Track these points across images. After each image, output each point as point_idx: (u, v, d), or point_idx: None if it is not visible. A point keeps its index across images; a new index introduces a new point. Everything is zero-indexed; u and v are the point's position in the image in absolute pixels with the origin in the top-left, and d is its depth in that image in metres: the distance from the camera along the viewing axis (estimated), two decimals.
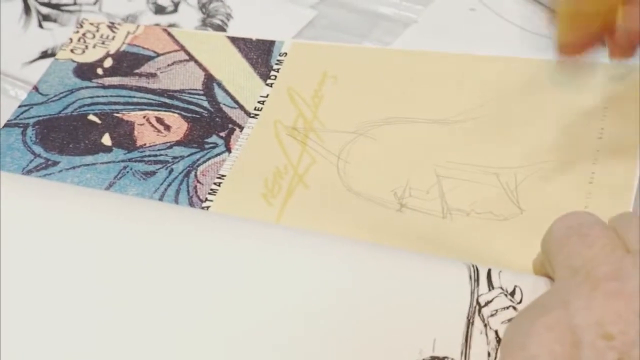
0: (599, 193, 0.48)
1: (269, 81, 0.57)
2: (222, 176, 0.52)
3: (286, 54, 0.58)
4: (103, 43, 0.60)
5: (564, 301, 0.36)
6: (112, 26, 0.61)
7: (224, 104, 0.56)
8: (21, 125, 0.56)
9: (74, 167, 0.53)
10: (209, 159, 0.53)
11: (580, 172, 0.49)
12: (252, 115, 0.55)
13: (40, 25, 0.63)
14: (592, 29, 0.45)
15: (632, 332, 0.33)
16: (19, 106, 0.57)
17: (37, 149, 0.54)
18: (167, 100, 0.56)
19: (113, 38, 0.60)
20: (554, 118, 0.52)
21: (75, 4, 0.64)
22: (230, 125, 0.55)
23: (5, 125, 0.56)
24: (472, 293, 0.42)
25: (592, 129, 0.50)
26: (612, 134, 0.50)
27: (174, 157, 0.53)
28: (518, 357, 0.36)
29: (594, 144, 0.50)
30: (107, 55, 0.59)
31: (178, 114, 0.56)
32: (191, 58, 0.59)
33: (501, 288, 0.42)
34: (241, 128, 0.54)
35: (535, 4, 0.59)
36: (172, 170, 0.53)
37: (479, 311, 0.42)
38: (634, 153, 0.49)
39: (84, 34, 0.61)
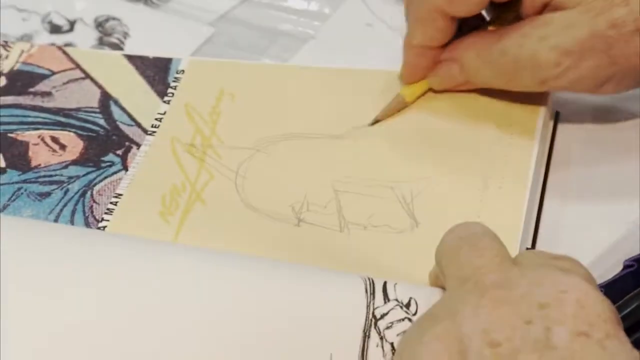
0: (491, 205, 0.48)
1: (166, 98, 0.56)
2: (118, 195, 0.51)
3: (184, 71, 0.58)
4: None
5: (452, 310, 0.36)
6: (5, 45, 0.60)
7: (121, 122, 0.55)
8: None
9: None
10: (106, 177, 0.52)
11: (473, 185, 0.49)
12: (149, 132, 0.55)
13: None
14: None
15: (517, 339, 0.34)
16: None
17: None
18: (63, 119, 0.56)
19: (7, 57, 0.59)
20: (449, 132, 0.52)
21: None
22: (127, 143, 0.54)
23: None
24: (367, 306, 0.42)
25: (484, 142, 0.51)
26: (505, 146, 0.51)
27: (70, 177, 0.53)
28: None
29: (487, 156, 0.50)
30: (1, 74, 0.58)
31: (74, 132, 0.55)
32: (87, 76, 0.58)
33: (396, 300, 0.42)
34: (138, 146, 0.54)
35: None
36: (67, 190, 0.52)
37: (375, 324, 0.42)
38: (526, 165, 0.50)
39: None
